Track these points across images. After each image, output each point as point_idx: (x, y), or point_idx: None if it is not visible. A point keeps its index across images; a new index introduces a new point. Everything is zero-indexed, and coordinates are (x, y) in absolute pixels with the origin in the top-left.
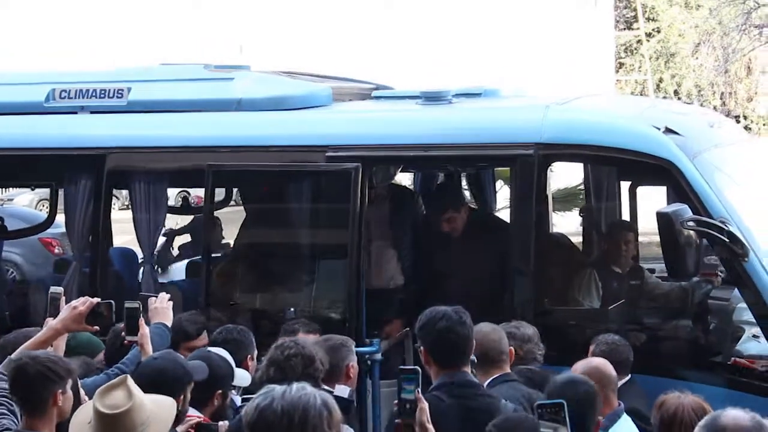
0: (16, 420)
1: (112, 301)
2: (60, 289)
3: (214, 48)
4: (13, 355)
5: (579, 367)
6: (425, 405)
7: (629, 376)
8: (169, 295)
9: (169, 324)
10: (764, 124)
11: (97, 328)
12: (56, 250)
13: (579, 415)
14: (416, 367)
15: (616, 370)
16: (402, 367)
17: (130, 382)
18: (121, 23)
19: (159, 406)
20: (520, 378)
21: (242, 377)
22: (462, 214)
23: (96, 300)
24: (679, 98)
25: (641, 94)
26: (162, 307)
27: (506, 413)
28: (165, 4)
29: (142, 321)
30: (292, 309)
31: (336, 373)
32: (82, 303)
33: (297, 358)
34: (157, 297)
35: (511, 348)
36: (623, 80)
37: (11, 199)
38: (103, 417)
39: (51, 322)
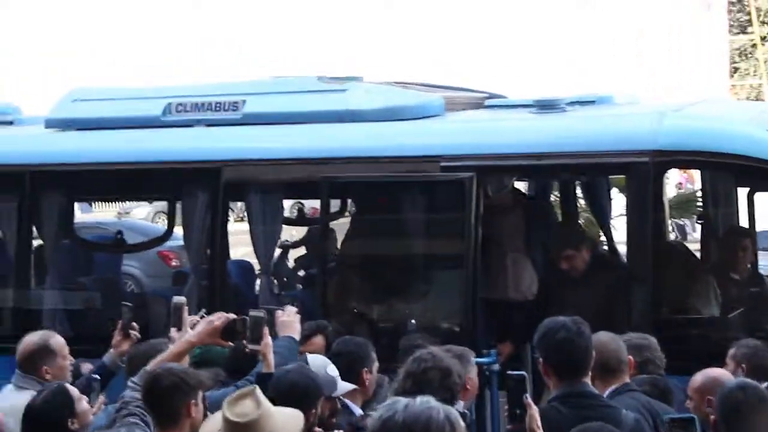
0: (149, 430)
1: (246, 317)
2: (183, 299)
3: (213, 48)
4: (148, 367)
5: (698, 379)
6: (535, 411)
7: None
8: (296, 309)
9: (297, 337)
10: None
11: (231, 343)
12: (173, 263)
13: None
14: (523, 372)
15: (755, 373)
16: (510, 372)
17: (258, 391)
18: (120, 23)
19: (286, 418)
20: (642, 387)
21: (344, 387)
22: (583, 253)
23: (232, 316)
24: None
25: (756, 99)
26: (289, 320)
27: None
28: (165, 3)
29: (266, 330)
30: (412, 321)
31: None
32: (218, 318)
33: (434, 371)
34: (284, 310)
35: (630, 357)
36: (738, 85)
37: (128, 212)
38: (233, 425)
39: (188, 335)
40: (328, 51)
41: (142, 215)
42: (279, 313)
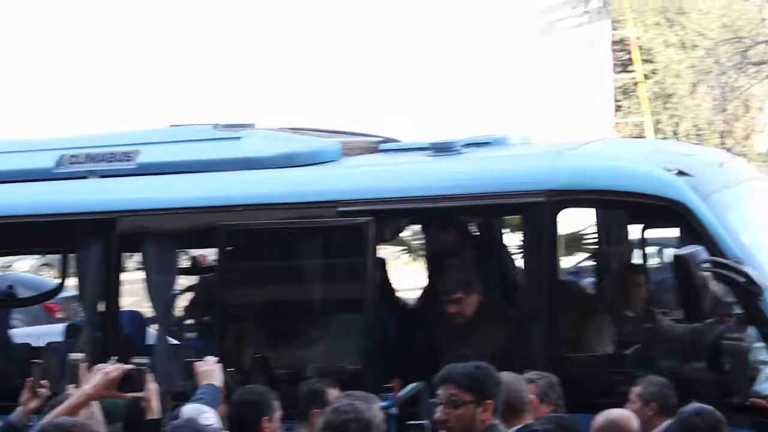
0: None
1: (145, 368)
2: (80, 356)
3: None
4: (41, 422)
5: (600, 420)
6: None
7: (670, 420)
8: (216, 358)
9: (218, 384)
10: (763, 162)
11: (129, 395)
12: (58, 315)
13: None
14: (424, 422)
15: (662, 412)
16: (410, 422)
17: None
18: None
19: None
20: (547, 426)
21: None
22: (472, 297)
23: (129, 366)
24: (677, 139)
25: (639, 136)
26: (210, 369)
27: None
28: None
29: (149, 377)
30: (311, 366)
31: None
32: (115, 369)
33: (354, 424)
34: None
35: (532, 396)
36: (622, 122)
37: (9, 266)
38: None
39: (84, 387)
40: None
41: (25, 268)
42: (197, 364)
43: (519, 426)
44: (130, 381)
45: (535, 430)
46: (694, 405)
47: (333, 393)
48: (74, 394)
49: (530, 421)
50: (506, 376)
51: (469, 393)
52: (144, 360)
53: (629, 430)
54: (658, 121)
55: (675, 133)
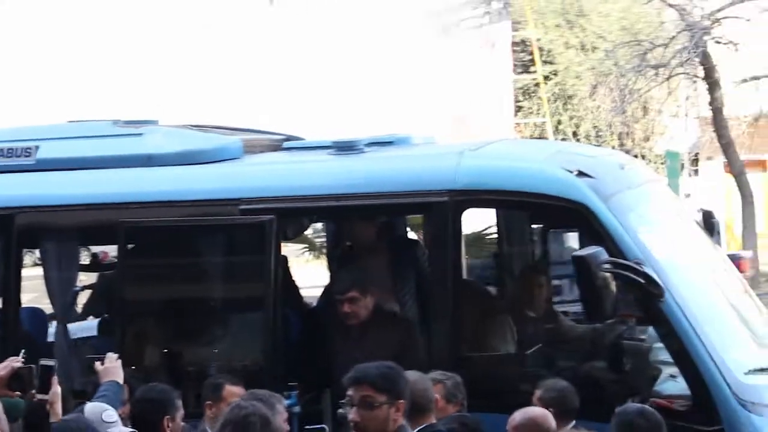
0: None
1: (33, 366)
2: None
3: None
4: None
5: (517, 418)
6: None
7: (573, 422)
8: (117, 355)
9: (121, 381)
10: (662, 163)
11: (18, 393)
12: None
13: None
14: (323, 426)
15: (563, 416)
16: (308, 427)
17: None
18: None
19: None
20: (450, 426)
21: None
22: (367, 300)
23: (17, 364)
24: (577, 140)
25: (540, 137)
26: (112, 366)
27: None
28: None
29: (55, 380)
30: (213, 364)
31: None
32: (3, 367)
33: (255, 417)
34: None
35: (437, 396)
36: (522, 123)
37: None
38: None
39: None
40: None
41: None
42: (98, 363)
43: (423, 426)
44: (20, 379)
45: (438, 430)
46: (635, 405)
47: (232, 389)
48: None
49: (434, 420)
50: (412, 375)
51: (383, 393)
52: (50, 362)
53: (547, 428)
54: (558, 122)
55: (575, 134)
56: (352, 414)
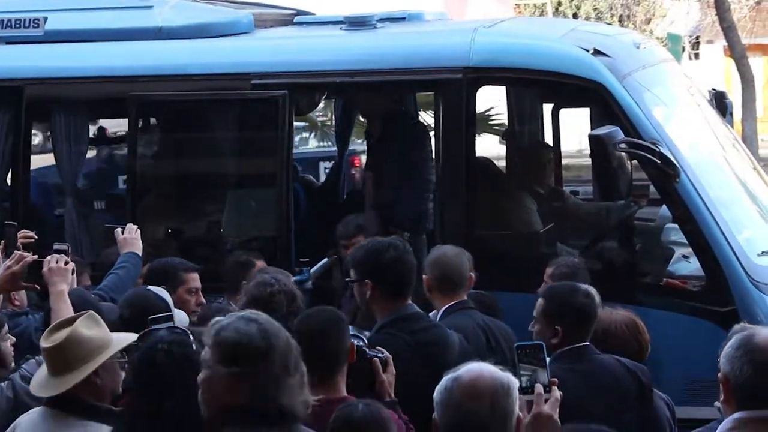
0: None
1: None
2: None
3: None
4: None
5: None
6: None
7: None
8: (136, 226)
9: (140, 253)
10: (663, 45)
11: (37, 287)
12: None
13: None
14: (540, 342)
15: None
16: (520, 343)
17: (83, 319)
18: None
19: (111, 340)
20: (473, 303)
21: (181, 319)
22: None
23: (31, 257)
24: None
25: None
26: (131, 237)
27: None
28: None
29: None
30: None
31: None
32: (16, 262)
33: (280, 296)
34: (124, 228)
35: (471, 275)
36: (522, 4)
37: None
38: (44, 351)
39: None
40: None
41: None
42: (118, 231)
43: (452, 303)
44: (35, 271)
45: (466, 308)
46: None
47: (261, 264)
48: None
49: (465, 298)
50: (449, 250)
51: None
52: (63, 246)
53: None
54: (559, 3)
55: (575, 15)
56: None
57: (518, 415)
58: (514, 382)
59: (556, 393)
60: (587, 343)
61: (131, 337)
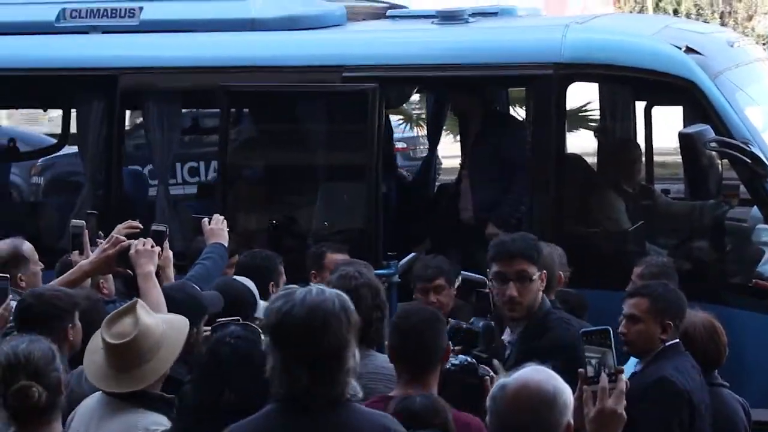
0: None
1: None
2: (82, 223)
3: None
4: (24, 294)
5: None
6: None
7: None
8: (223, 217)
9: (226, 244)
10: (764, 43)
11: (129, 272)
12: None
13: None
14: (607, 327)
15: None
16: (586, 330)
17: (140, 307)
18: None
19: (172, 327)
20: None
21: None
22: (452, 290)
23: (127, 242)
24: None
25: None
26: (218, 228)
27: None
28: None
29: (166, 244)
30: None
31: None
32: (112, 245)
33: (365, 289)
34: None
35: (560, 273)
36: (622, 0)
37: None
38: (110, 347)
39: (82, 263)
40: None
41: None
42: (205, 221)
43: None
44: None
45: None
46: None
47: (334, 257)
48: (73, 269)
49: (552, 297)
50: (545, 248)
51: (534, 265)
52: (162, 227)
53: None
54: (659, 0)
55: (676, 11)
56: (509, 290)
57: (568, 423)
58: (562, 390)
59: (622, 384)
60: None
61: (185, 321)
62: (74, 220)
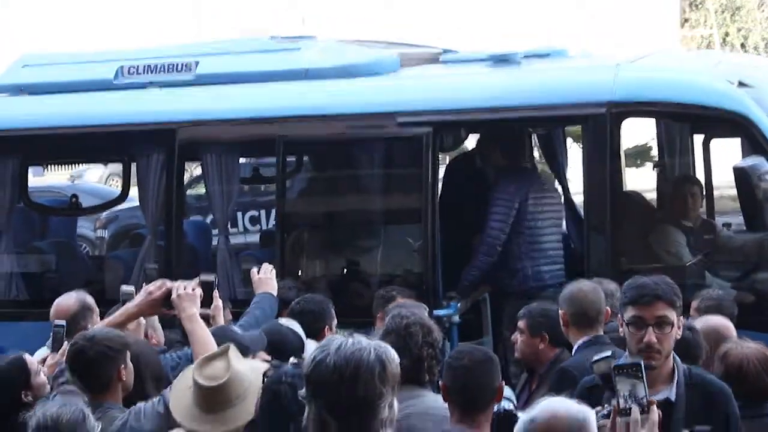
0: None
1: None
2: (131, 288)
3: (277, 20)
4: (75, 337)
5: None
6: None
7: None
8: (272, 266)
9: (275, 293)
10: None
11: (175, 312)
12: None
13: None
14: (638, 361)
15: None
16: (618, 363)
17: (232, 352)
18: None
19: (253, 374)
20: (614, 334)
21: (311, 345)
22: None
23: (173, 284)
24: (745, 52)
25: (707, 48)
26: (266, 277)
27: None
28: None
29: (216, 294)
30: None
31: None
32: (158, 288)
33: (416, 327)
34: (259, 268)
35: (607, 308)
36: (689, 36)
37: (81, 176)
38: (202, 388)
39: (128, 305)
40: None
41: (95, 178)
42: (254, 270)
43: (588, 337)
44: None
45: (600, 343)
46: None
47: (403, 301)
48: (119, 311)
49: (600, 332)
50: (585, 285)
51: (674, 310)
52: (210, 277)
53: (728, 335)
54: (726, 34)
55: (743, 46)
56: (648, 335)
57: None
58: (591, 418)
59: (654, 415)
60: None
61: (264, 366)
62: (124, 287)
